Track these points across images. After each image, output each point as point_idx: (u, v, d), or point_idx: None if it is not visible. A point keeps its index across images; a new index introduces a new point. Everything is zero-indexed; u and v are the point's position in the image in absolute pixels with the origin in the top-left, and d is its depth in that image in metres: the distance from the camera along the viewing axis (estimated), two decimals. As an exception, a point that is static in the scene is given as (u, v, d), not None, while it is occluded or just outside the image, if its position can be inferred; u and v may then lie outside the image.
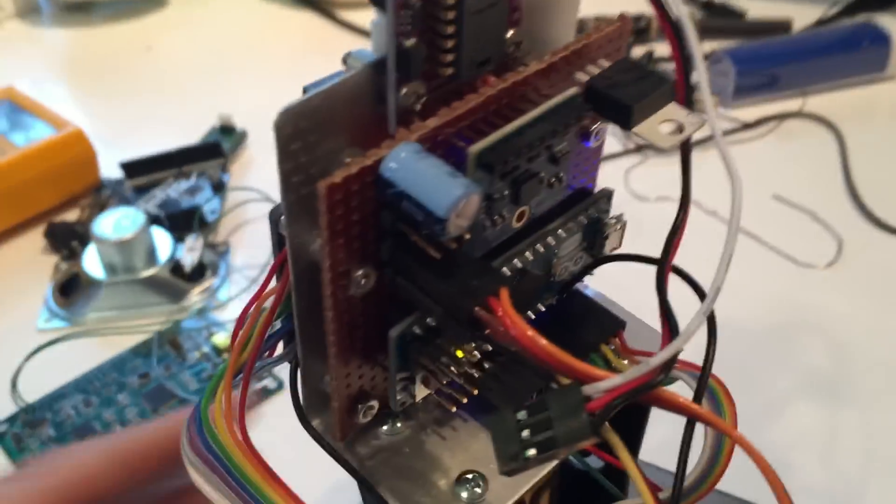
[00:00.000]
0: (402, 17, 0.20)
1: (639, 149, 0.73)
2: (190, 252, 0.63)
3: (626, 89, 0.23)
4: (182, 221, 0.65)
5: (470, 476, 0.25)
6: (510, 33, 0.23)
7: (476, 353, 0.25)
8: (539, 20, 0.25)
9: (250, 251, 0.66)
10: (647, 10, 0.88)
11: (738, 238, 0.75)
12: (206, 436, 0.24)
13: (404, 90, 0.21)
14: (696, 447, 0.25)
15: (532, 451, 0.20)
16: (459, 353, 0.25)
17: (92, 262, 0.62)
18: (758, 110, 0.78)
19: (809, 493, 0.48)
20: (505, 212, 0.24)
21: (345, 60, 0.23)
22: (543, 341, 0.20)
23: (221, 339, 0.58)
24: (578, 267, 0.27)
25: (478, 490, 0.24)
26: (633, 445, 0.29)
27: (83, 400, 0.55)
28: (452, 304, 0.21)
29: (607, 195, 0.27)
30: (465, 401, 0.25)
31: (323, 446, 0.24)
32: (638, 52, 0.86)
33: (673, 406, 0.21)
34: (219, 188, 0.69)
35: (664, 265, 0.23)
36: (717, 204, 0.67)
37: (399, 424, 0.26)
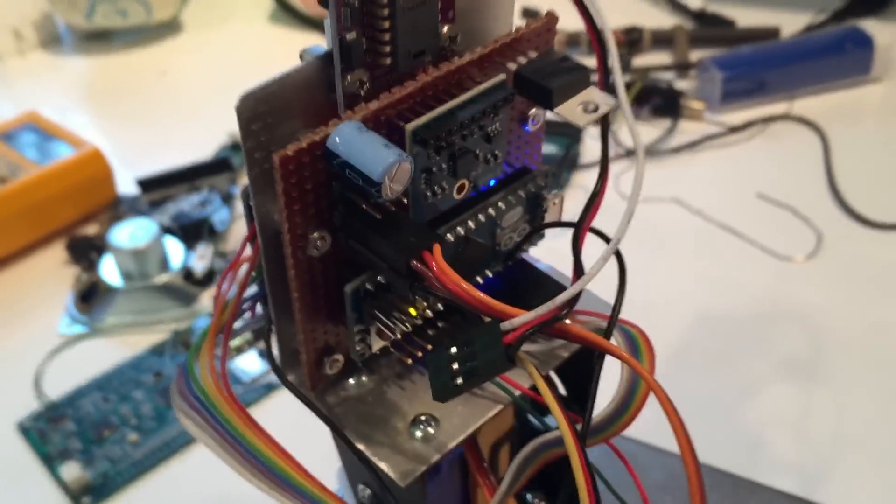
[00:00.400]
0: (343, 14, 0.24)
1: (628, 154, 0.76)
2: (200, 259, 0.67)
3: (548, 75, 0.27)
4: (193, 231, 0.69)
5: (423, 417, 0.28)
6: (445, 29, 0.27)
7: (428, 311, 0.29)
8: (475, 19, 0.28)
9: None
10: (641, 21, 0.91)
11: (720, 234, 0.77)
12: (194, 387, 0.27)
13: (349, 78, 0.25)
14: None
15: (459, 380, 0.23)
16: (412, 311, 0.28)
17: (109, 271, 0.66)
18: (745, 114, 0.81)
19: (782, 466, 0.50)
20: (444, 184, 0.27)
21: (301, 56, 0.26)
22: (466, 285, 0.23)
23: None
24: (521, 237, 0.30)
25: (431, 429, 0.28)
26: (584, 396, 0.32)
27: (102, 397, 0.58)
28: (393, 260, 0.24)
29: (545, 172, 0.30)
30: (420, 354, 0.29)
31: (297, 396, 0.28)
32: (636, 62, 0.88)
33: (581, 339, 0.24)
34: (228, 200, 0.73)
35: (580, 228, 0.27)
36: (701, 204, 0.71)
37: (364, 378, 0.29)
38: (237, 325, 0.29)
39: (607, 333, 0.27)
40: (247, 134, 0.23)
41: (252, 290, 0.29)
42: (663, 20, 0.94)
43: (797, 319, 0.60)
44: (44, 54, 0.99)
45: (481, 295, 0.24)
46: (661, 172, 0.75)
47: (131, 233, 0.65)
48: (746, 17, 0.94)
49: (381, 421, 0.28)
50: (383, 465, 0.27)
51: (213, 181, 0.75)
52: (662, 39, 0.90)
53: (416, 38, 0.25)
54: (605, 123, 0.27)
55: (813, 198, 0.71)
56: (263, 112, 0.24)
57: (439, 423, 0.28)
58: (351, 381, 0.29)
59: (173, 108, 0.89)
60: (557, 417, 0.24)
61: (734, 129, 0.79)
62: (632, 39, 0.90)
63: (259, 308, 0.29)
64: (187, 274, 0.66)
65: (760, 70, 0.81)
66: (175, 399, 0.28)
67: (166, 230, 0.68)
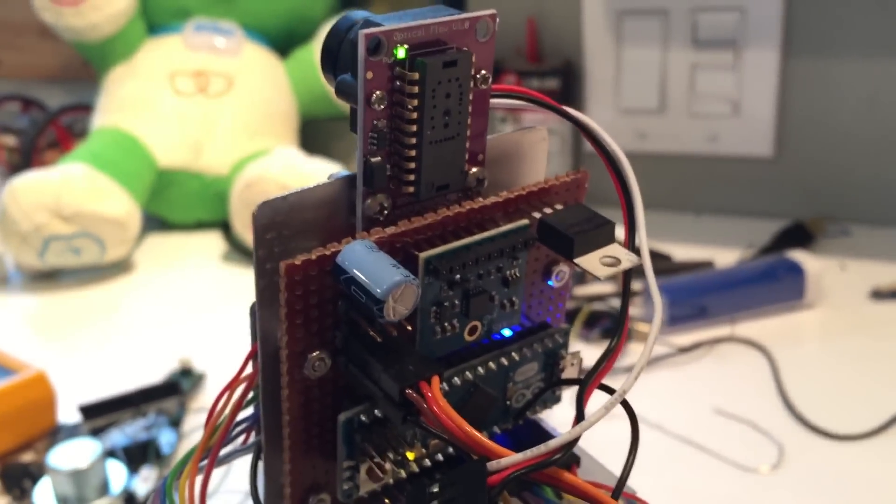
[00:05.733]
0: (370, 138, 0.25)
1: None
2: (144, 482, 0.63)
3: (571, 225, 0.27)
4: (138, 454, 0.66)
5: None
6: (473, 170, 0.28)
7: (427, 461, 0.27)
8: (506, 168, 0.29)
9: (207, 484, 0.66)
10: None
11: (682, 447, 0.76)
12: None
13: (369, 201, 0.25)
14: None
15: None
16: (410, 455, 0.27)
17: (43, 496, 0.62)
18: (692, 336, 0.83)
19: None
20: (456, 322, 0.27)
21: (328, 178, 0.27)
22: (458, 419, 0.23)
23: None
24: (533, 395, 0.30)
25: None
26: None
27: None
28: (388, 386, 0.23)
29: (565, 330, 0.30)
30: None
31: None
32: (582, 292, 0.91)
33: (578, 490, 0.23)
34: (176, 423, 0.71)
35: (588, 381, 0.26)
36: (660, 419, 0.70)
37: (356, 531, 0.27)
38: (225, 451, 0.27)
39: (615, 495, 0.26)
40: (260, 242, 0.23)
41: (248, 413, 0.27)
42: (604, 256, 0.99)
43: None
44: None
45: (471, 430, 0.23)
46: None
47: (71, 454, 0.61)
48: (680, 252, 0.99)
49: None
50: None
51: (161, 405, 0.72)
52: (606, 271, 0.93)
53: (441, 171, 0.26)
54: (627, 279, 0.28)
55: (769, 412, 0.72)
56: (280, 222, 0.24)
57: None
58: (342, 532, 0.27)
59: (122, 339, 0.88)
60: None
61: (683, 350, 0.80)
62: (575, 272, 0.94)
63: (254, 435, 0.27)
64: (129, 498, 0.62)
65: (701, 295, 0.85)
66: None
67: (109, 453, 0.65)
